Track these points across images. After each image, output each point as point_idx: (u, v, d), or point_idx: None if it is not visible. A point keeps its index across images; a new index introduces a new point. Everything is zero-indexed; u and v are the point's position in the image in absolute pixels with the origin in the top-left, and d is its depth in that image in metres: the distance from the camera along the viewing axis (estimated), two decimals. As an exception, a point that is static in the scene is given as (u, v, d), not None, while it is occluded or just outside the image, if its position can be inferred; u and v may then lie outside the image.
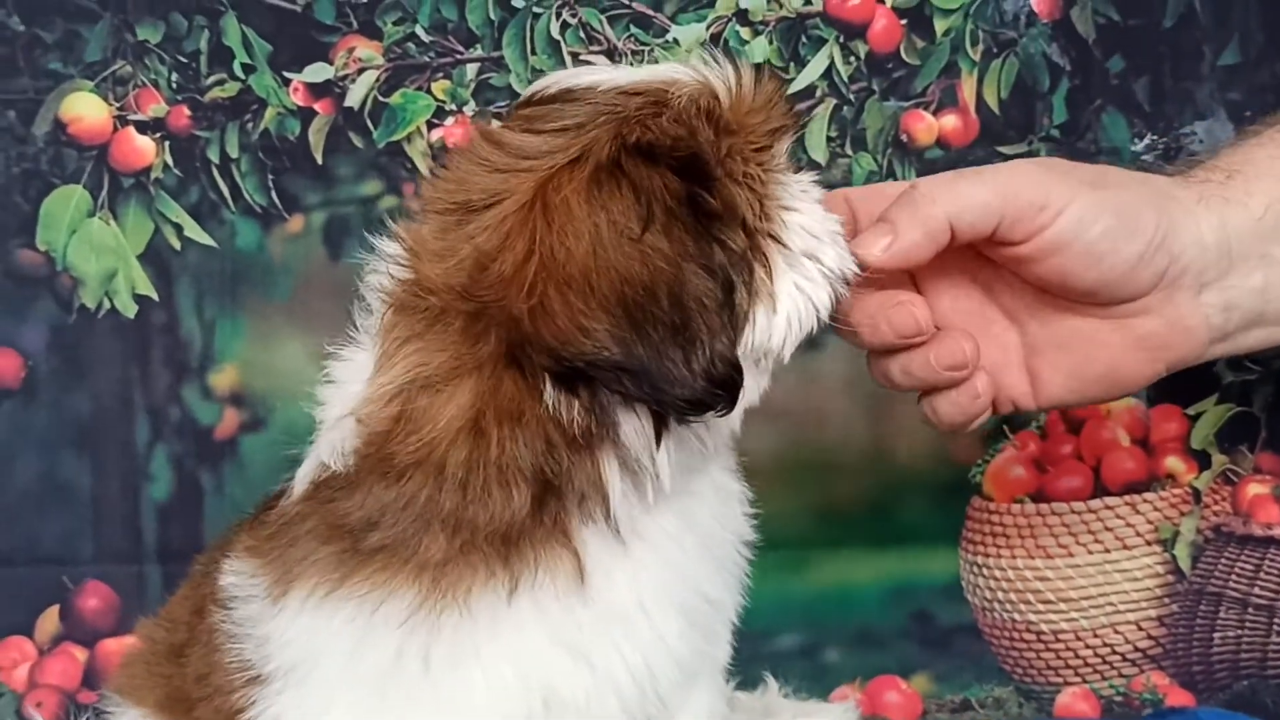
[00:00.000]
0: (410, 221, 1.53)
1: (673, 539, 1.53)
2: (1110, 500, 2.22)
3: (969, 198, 1.53)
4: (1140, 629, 2.22)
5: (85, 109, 2.12)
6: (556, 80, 1.53)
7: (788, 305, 1.48)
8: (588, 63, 2.15)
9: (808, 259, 1.49)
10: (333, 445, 1.52)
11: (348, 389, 1.53)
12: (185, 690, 1.65)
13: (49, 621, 2.14)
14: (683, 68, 1.50)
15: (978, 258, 1.61)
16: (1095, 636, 2.22)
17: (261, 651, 1.53)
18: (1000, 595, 2.22)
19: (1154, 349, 1.58)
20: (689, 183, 1.44)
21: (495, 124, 1.59)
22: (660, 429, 1.47)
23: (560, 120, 1.48)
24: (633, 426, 1.46)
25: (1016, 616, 2.22)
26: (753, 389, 1.51)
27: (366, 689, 1.48)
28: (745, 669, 1.83)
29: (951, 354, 1.57)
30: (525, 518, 1.46)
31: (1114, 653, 2.22)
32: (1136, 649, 2.23)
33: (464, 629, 1.46)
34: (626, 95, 1.48)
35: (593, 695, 1.49)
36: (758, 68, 1.53)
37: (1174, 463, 2.23)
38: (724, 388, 1.42)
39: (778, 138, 1.52)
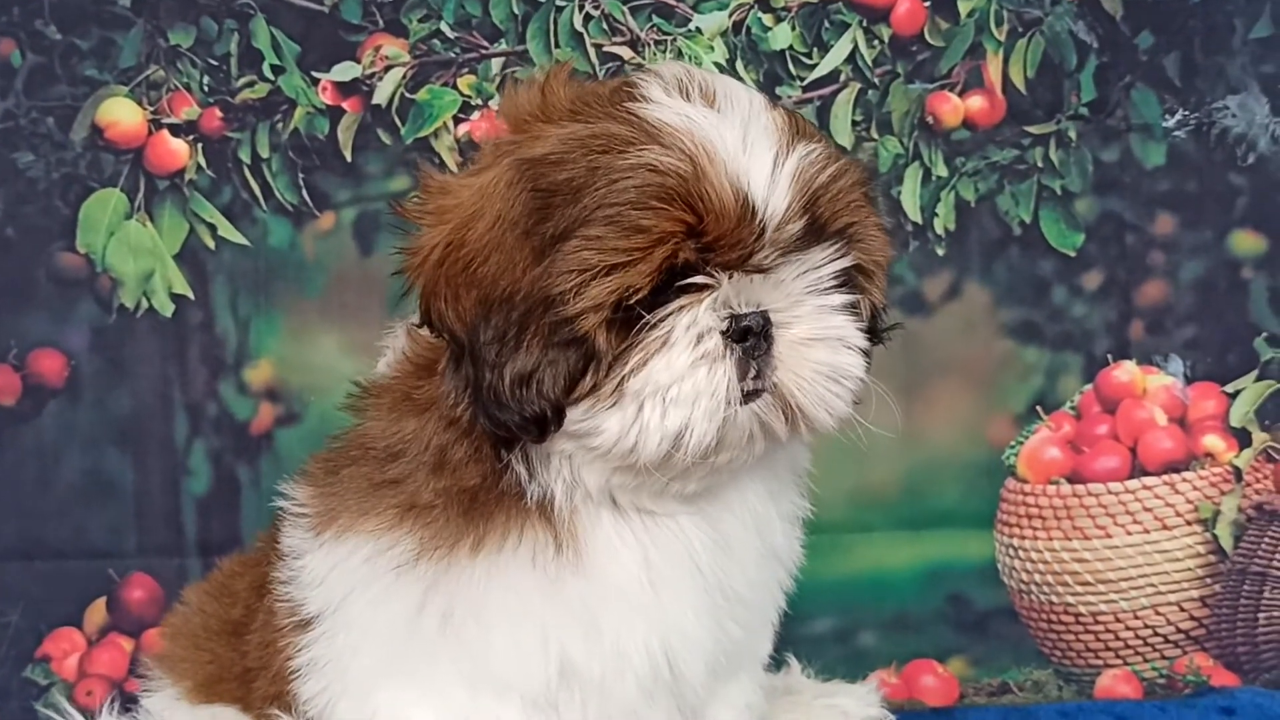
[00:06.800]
0: None
1: (683, 536, 1.52)
2: (1148, 480, 2.19)
3: None
4: (1182, 610, 2.20)
5: (121, 114, 2.16)
6: (656, 69, 1.47)
7: (618, 424, 1.41)
8: (613, 55, 2.16)
9: (649, 404, 1.40)
10: (391, 352, 1.56)
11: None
12: (233, 668, 1.68)
13: (97, 613, 2.19)
14: (720, 158, 1.38)
15: None
16: (1136, 618, 2.20)
17: (302, 591, 1.55)
18: (1037, 577, 2.20)
19: None
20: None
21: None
22: (497, 439, 1.45)
23: (590, 110, 1.44)
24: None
25: (1054, 599, 2.20)
26: (593, 474, 1.46)
27: (390, 638, 1.50)
28: (779, 653, 1.82)
29: None
30: (490, 476, 1.47)
31: (1155, 634, 2.20)
32: (1179, 630, 2.20)
33: (463, 583, 1.47)
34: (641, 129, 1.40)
35: (609, 670, 1.50)
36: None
37: (1213, 441, 2.20)
38: (533, 419, 1.40)
39: (727, 265, 1.41)
